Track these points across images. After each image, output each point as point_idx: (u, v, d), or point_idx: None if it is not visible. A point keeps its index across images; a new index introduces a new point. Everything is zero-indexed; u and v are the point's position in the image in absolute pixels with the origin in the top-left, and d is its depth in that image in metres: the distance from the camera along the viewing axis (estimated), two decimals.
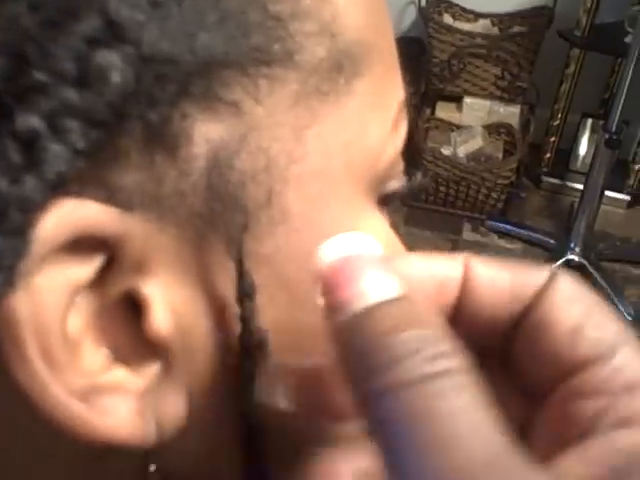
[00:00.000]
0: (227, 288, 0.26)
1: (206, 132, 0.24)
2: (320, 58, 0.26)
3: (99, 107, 0.22)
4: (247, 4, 0.24)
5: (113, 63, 0.22)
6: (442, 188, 2.42)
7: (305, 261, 0.26)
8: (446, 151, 2.45)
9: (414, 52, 2.44)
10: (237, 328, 0.26)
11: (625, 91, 2.04)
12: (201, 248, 0.25)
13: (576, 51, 2.43)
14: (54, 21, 0.21)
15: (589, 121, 2.58)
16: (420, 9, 2.52)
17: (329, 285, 0.23)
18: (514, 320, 0.26)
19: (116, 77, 0.22)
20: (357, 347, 0.22)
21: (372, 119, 0.28)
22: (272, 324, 0.27)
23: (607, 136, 2.11)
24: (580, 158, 2.63)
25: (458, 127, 2.52)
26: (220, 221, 0.25)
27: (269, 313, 0.27)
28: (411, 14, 2.63)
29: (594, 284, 2.23)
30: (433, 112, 2.58)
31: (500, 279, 0.26)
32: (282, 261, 0.27)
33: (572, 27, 2.38)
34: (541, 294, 0.25)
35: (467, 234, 2.43)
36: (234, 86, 0.24)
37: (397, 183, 0.32)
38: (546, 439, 0.24)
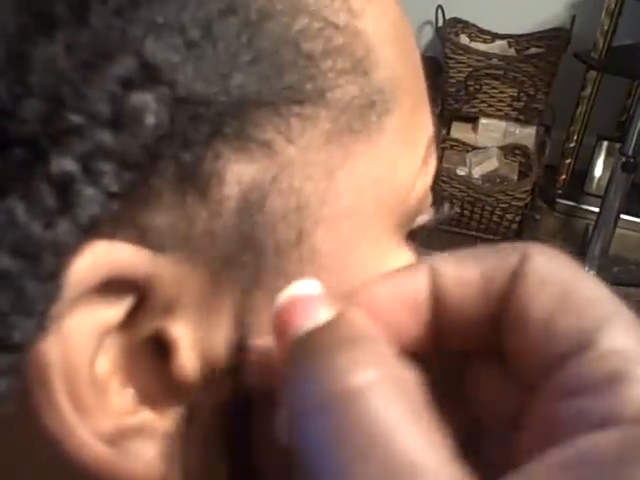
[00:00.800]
0: (256, 330, 0.25)
1: (238, 172, 0.24)
2: (352, 96, 0.26)
3: (133, 149, 0.22)
4: (280, 43, 0.24)
5: (148, 105, 0.22)
6: (456, 209, 2.41)
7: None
8: (461, 172, 2.45)
9: (430, 72, 2.42)
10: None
11: None
12: (230, 289, 0.25)
13: (593, 73, 2.42)
14: (90, 63, 0.21)
15: (605, 143, 2.58)
16: (437, 29, 2.53)
17: (279, 325, 0.23)
18: (495, 316, 0.24)
19: (150, 119, 0.22)
20: (288, 374, 0.22)
21: (402, 155, 0.28)
22: None
23: (624, 159, 2.10)
24: (595, 181, 2.62)
25: (473, 148, 2.52)
26: (249, 262, 0.25)
27: None
28: (428, 34, 2.64)
29: None
30: (449, 132, 2.58)
31: (468, 276, 0.24)
32: None
33: (589, 49, 2.38)
34: (513, 283, 0.23)
35: None
36: (266, 126, 0.24)
37: (426, 217, 0.32)
38: (536, 440, 0.22)
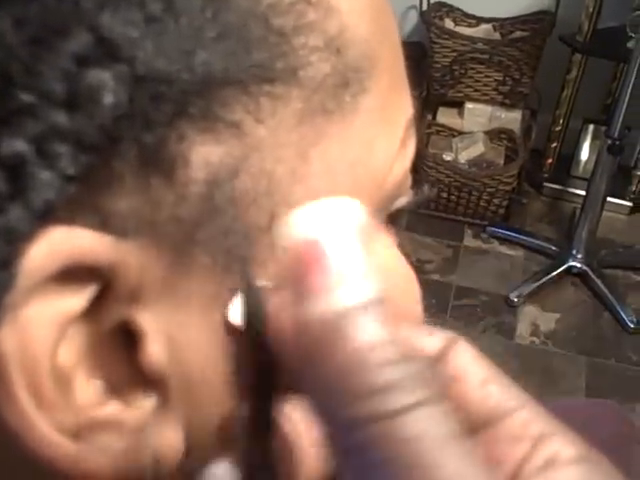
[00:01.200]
0: (229, 316, 0.24)
1: (204, 154, 0.23)
2: (325, 74, 0.25)
3: (90, 130, 0.21)
4: (248, 18, 0.23)
5: (105, 83, 0.20)
6: (443, 194, 2.40)
7: None
8: (447, 157, 2.44)
9: (415, 57, 2.42)
10: (243, 357, 0.25)
11: (627, 97, 2.02)
12: (199, 275, 0.24)
13: (578, 56, 2.41)
14: (41, 38, 0.20)
15: (591, 127, 2.57)
16: (421, 14, 2.51)
17: (299, 266, 0.22)
18: None
19: (108, 98, 0.20)
20: (340, 359, 0.21)
21: (378, 136, 0.27)
22: None
23: (609, 142, 2.10)
24: (582, 164, 2.61)
25: (459, 133, 2.51)
26: (219, 247, 0.24)
27: None
28: (412, 19, 2.62)
29: (596, 291, 2.22)
30: (434, 117, 2.57)
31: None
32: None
33: (574, 32, 2.37)
34: (444, 355, 0.26)
35: (468, 240, 2.41)
36: (234, 105, 0.23)
37: (405, 199, 0.31)
38: None
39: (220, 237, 0.24)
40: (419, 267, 2.23)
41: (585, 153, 2.61)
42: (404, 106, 0.29)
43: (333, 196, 0.25)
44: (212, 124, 0.23)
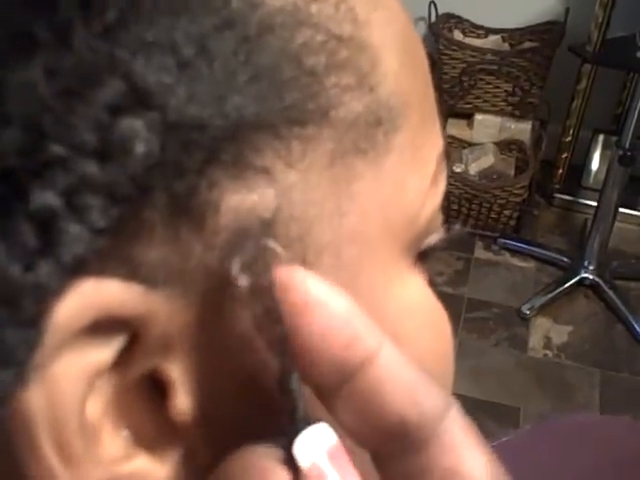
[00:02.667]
0: (261, 366, 0.24)
1: (235, 202, 0.22)
2: (357, 113, 0.24)
3: (122, 181, 0.20)
4: (280, 59, 0.22)
5: (137, 132, 0.20)
6: (454, 206, 2.40)
7: None
8: (457, 168, 2.43)
9: None
10: (274, 409, 0.24)
11: (638, 107, 2.02)
12: (228, 322, 0.23)
13: (588, 66, 2.41)
14: (73, 89, 0.19)
15: (601, 137, 2.56)
16: (430, 25, 2.51)
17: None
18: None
19: (140, 147, 0.20)
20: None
21: (410, 174, 0.26)
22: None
23: (620, 153, 2.09)
24: (593, 174, 2.60)
25: (469, 144, 2.51)
26: (250, 296, 0.23)
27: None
28: (421, 30, 2.62)
29: (608, 303, 2.20)
30: (444, 129, 2.56)
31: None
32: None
33: (583, 42, 2.36)
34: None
35: (479, 252, 2.41)
36: (265, 150, 0.22)
37: (436, 237, 0.30)
38: None
39: (250, 285, 0.23)
40: (430, 280, 2.22)
41: (596, 163, 2.60)
42: (435, 141, 0.28)
43: (363, 236, 0.25)
44: (243, 170, 0.22)
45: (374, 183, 0.25)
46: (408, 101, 0.26)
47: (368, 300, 0.25)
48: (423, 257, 0.29)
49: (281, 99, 0.22)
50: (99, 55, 0.19)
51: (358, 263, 0.25)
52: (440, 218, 0.30)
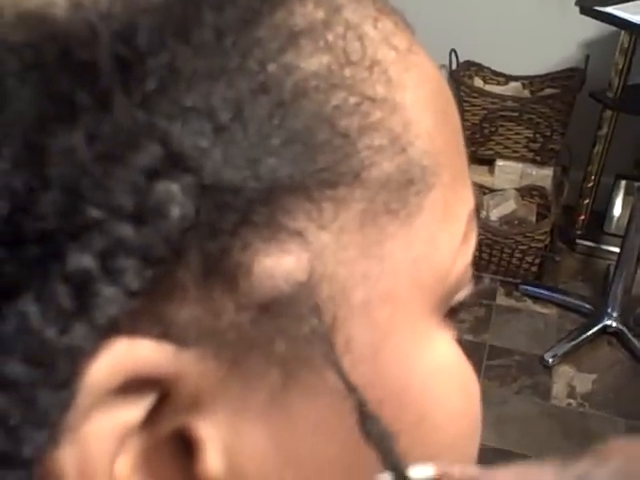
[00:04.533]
0: (291, 426, 0.24)
1: (267, 263, 0.22)
2: (389, 174, 0.24)
3: (156, 243, 0.20)
4: (314, 122, 0.22)
5: (173, 195, 0.20)
6: (475, 252, 2.38)
7: (368, 393, 0.24)
8: (479, 215, 2.43)
9: None
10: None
11: None
12: (258, 382, 0.23)
13: (609, 112, 2.41)
14: (112, 153, 0.19)
15: (623, 182, 2.55)
16: (451, 72, 2.53)
17: None
18: None
19: (175, 211, 0.20)
20: None
21: (441, 232, 0.26)
22: (331, 462, 0.25)
23: None
24: (615, 220, 2.59)
25: (491, 190, 2.50)
26: (280, 354, 0.23)
27: (329, 451, 0.24)
28: None
29: (633, 351, 2.17)
30: None
31: None
32: (345, 394, 0.24)
33: (604, 88, 2.37)
34: None
35: (501, 299, 2.39)
36: (297, 213, 0.22)
37: (465, 292, 0.30)
38: None
39: (280, 344, 0.23)
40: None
41: (618, 209, 2.59)
42: (466, 198, 0.28)
43: (394, 295, 0.25)
44: (275, 233, 0.22)
45: (405, 242, 0.25)
46: (441, 160, 0.26)
47: (399, 359, 0.25)
48: (453, 313, 0.29)
49: (314, 162, 0.22)
50: (137, 121, 0.20)
51: (388, 323, 0.25)
52: (470, 274, 0.29)
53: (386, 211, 0.24)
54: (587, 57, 2.45)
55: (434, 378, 0.27)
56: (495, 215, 2.45)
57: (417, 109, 0.25)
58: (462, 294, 0.29)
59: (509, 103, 2.42)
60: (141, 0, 0.21)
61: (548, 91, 2.51)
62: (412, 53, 0.26)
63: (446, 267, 0.27)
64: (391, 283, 0.25)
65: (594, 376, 2.14)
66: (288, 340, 0.23)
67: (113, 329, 0.20)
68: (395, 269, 0.25)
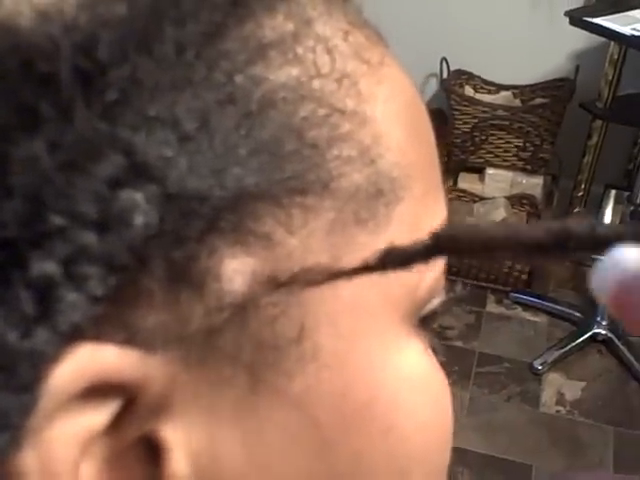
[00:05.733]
0: (261, 431, 0.24)
1: (235, 267, 0.22)
2: (358, 184, 0.24)
3: (120, 251, 0.20)
4: (282, 132, 0.23)
5: (137, 204, 0.20)
6: (465, 260, 2.40)
7: (336, 402, 0.24)
8: (469, 223, 2.44)
9: (436, 124, 2.43)
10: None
11: None
12: (226, 386, 0.23)
13: (598, 122, 2.42)
14: (75, 162, 0.20)
15: (613, 192, 2.56)
16: (442, 81, 2.54)
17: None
18: None
19: (139, 219, 0.20)
20: None
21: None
22: (300, 470, 0.25)
23: (632, 208, 2.09)
24: None
25: (481, 198, 2.51)
26: (247, 358, 0.23)
27: (298, 459, 0.25)
28: (433, 86, 2.65)
29: (622, 359, 2.18)
30: (455, 183, 2.57)
31: None
32: (312, 402, 0.24)
33: (594, 98, 2.38)
34: None
35: (491, 306, 2.39)
36: (265, 218, 0.23)
37: (437, 300, 0.30)
38: None
39: (248, 348, 0.23)
40: (441, 333, 2.21)
41: (607, 218, 2.59)
42: (438, 212, 0.28)
43: (362, 306, 0.25)
44: (243, 237, 0.22)
45: (373, 252, 0.25)
46: (412, 172, 0.26)
47: (367, 369, 0.25)
48: (425, 322, 0.29)
49: (282, 170, 0.23)
50: (99, 132, 0.20)
51: (356, 332, 0.25)
52: (442, 283, 0.29)
53: (355, 221, 0.24)
54: (577, 67, 2.47)
55: (403, 388, 0.27)
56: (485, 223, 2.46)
57: (388, 122, 0.26)
58: (434, 302, 0.29)
59: (499, 112, 2.43)
60: (105, 12, 0.21)
61: (538, 100, 2.52)
62: (384, 66, 0.26)
63: (415, 279, 0.27)
64: (358, 292, 0.25)
65: (583, 384, 2.14)
66: (256, 344, 0.23)
67: (77, 334, 0.21)
68: (363, 279, 0.25)
